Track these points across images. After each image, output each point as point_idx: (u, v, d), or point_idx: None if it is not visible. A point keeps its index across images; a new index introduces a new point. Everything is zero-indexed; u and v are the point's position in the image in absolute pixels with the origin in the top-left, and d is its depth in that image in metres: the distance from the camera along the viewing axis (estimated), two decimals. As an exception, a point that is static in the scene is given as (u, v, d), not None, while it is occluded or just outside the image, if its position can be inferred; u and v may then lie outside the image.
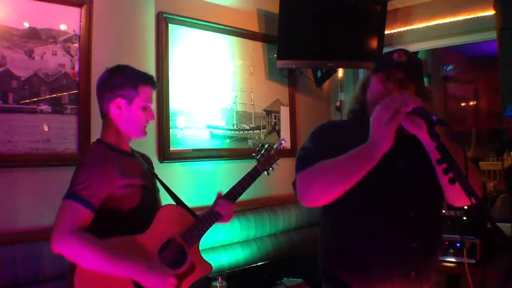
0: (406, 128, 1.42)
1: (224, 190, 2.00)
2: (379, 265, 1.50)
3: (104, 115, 1.80)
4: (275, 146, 2.13)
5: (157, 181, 1.95)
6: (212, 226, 1.92)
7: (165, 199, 1.96)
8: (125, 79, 1.76)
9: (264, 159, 2.08)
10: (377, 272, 1.50)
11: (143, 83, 1.78)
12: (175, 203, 1.93)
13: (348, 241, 1.55)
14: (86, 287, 1.59)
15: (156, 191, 1.94)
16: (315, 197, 1.49)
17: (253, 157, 2.09)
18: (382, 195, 1.49)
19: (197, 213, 1.94)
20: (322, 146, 1.57)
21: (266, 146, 2.12)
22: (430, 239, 1.59)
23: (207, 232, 1.90)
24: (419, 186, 1.52)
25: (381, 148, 1.39)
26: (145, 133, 1.82)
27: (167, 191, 1.96)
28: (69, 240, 1.54)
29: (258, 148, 2.13)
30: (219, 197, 1.95)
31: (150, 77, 1.82)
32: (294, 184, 1.56)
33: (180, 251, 1.81)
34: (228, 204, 1.93)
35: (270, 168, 2.11)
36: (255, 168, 2.06)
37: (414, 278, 1.52)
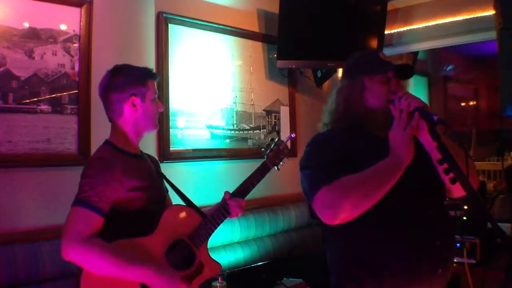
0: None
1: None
2: (408, 267, 1.48)
3: (116, 117, 1.77)
4: (285, 140, 2.06)
5: (165, 182, 1.95)
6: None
7: (174, 200, 1.95)
8: (132, 77, 1.77)
9: (274, 153, 2.00)
10: (406, 274, 1.49)
11: (149, 77, 1.81)
12: (183, 203, 1.91)
13: (372, 246, 1.52)
14: None
15: (164, 191, 1.93)
16: (343, 215, 1.46)
17: (262, 152, 2.03)
18: (401, 196, 1.48)
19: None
20: (330, 160, 1.54)
21: (276, 140, 2.05)
22: (449, 235, 1.60)
23: (215, 231, 1.87)
24: (432, 184, 1.54)
25: (404, 159, 1.44)
26: (157, 125, 1.86)
27: (175, 191, 1.94)
28: (79, 248, 1.53)
29: (268, 143, 2.05)
30: (228, 195, 1.90)
31: (152, 70, 1.86)
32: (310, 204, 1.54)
33: (188, 252, 1.79)
34: (237, 201, 1.88)
35: (281, 163, 2.02)
36: (264, 164, 1.98)
37: (441, 275, 1.53)
